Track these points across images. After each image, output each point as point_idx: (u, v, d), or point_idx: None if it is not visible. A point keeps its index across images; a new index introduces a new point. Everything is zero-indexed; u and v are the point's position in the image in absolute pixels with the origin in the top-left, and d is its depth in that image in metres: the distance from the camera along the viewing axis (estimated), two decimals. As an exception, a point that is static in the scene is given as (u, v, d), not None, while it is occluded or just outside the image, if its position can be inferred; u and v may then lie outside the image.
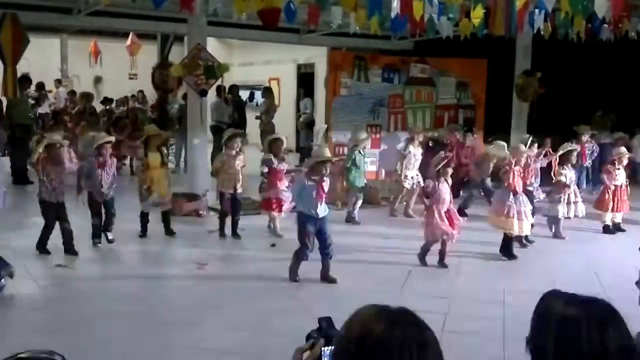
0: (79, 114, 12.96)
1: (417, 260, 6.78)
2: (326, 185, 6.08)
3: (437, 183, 6.67)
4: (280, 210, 7.85)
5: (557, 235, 8.03)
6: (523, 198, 7.06)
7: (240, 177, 7.83)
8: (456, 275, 6.55)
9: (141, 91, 17.04)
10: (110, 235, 7.50)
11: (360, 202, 9.07)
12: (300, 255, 6.14)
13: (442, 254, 6.77)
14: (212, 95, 11.90)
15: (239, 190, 7.87)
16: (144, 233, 7.83)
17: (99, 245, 7.33)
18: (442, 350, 1.30)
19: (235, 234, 7.96)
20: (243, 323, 5.08)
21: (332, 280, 6.14)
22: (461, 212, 8.18)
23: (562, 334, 1.46)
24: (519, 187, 7.04)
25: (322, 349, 1.48)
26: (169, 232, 7.94)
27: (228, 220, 7.91)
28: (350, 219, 8.93)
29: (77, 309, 5.44)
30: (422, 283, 6.23)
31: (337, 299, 5.56)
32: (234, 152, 7.82)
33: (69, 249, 6.94)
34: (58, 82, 18.32)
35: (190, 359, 4.44)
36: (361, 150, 9.20)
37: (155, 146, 7.80)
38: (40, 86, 15.92)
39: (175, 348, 4.58)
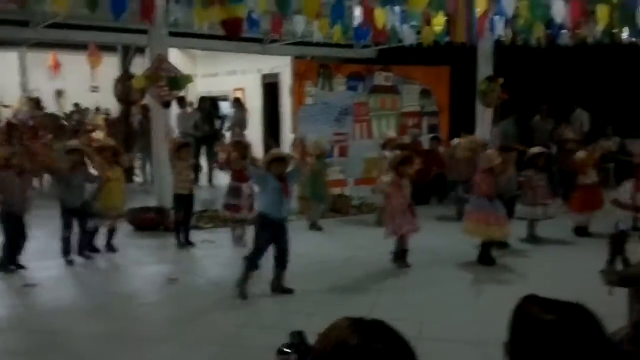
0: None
1: (387, 266, 6.81)
2: (289, 185, 5.96)
3: (400, 179, 6.81)
4: (242, 213, 7.88)
5: (532, 238, 8.07)
6: (498, 203, 7.01)
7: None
8: (431, 281, 6.55)
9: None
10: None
11: (320, 211, 9.14)
12: (251, 264, 5.89)
13: (403, 251, 6.87)
14: (175, 108, 11.78)
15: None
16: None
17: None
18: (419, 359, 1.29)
19: (189, 242, 7.98)
20: (213, 338, 5.01)
21: (288, 291, 6.00)
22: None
23: (541, 339, 1.45)
24: (494, 193, 6.96)
25: None
26: (111, 247, 7.72)
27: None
28: (313, 226, 8.98)
29: (45, 328, 5.29)
30: (394, 293, 6.21)
31: (309, 312, 5.54)
32: (188, 163, 8.07)
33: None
34: (30, 100, 17.54)
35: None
36: (322, 159, 9.23)
37: (109, 158, 7.57)
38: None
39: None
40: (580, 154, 8.48)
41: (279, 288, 6.02)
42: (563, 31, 9.51)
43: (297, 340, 1.54)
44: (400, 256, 6.95)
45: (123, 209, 7.93)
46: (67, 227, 7.17)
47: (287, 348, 1.52)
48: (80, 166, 7.21)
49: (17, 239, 6.86)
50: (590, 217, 8.37)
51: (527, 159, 8.04)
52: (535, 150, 8.18)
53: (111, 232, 7.74)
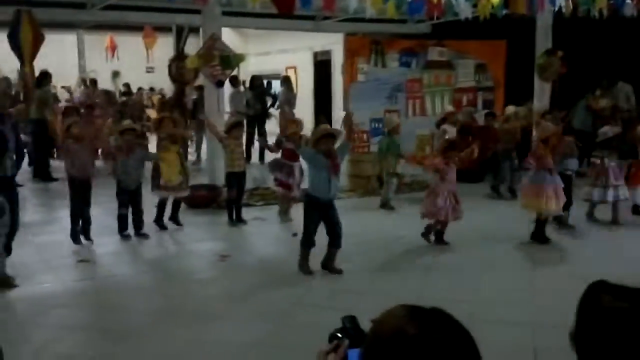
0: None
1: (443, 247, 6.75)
2: (339, 164, 5.88)
3: (445, 164, 6.72)
4: (291, 191, 7.89)
5: (591, 219, 7.77)
6: (556, 176, 6.78)
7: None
8: (481, 262, 6.42)
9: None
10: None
11: (394, 187, 8.95)
12: (305, 245, 5.90)
13: (440, 233, 6.85)
14: (227, 87, 11.83)
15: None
16: (159, 222, 7.74)
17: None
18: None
19: (240, 219, 8.01)
20: (265, 315, 5.03)
21: (337, 271, 5.95)
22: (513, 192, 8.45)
23: (612, 329, 1.34)
24: (552, 165, 6.73)
25: (347, 350, 1.40)
26: (176, 220, 7.86)
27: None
28: (384, 205, 8.81)
29: (101, 303, 5.43)
30: (445, 272, 6.11)
31: (360, 291, 5.51)
32: (240, 141, 8.17)
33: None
34: (83, 81, 18.07)
35: (215, 352, 4.38)
36: (394, 136, 8.97)
37: (169, 132, 7.68)
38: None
39: (199, 342, 4.54)
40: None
41: (328, 268, 5.99)
42: (627, 1, 9.06)
43: (350, 324, 1.48)
44: (432, 233, 6.90)
45: (185, 180, 7.87)
46: (122, 205, 7.29)
47: (339, 333, 1.46)
48: (135, 146, 7.30)
49: (82, 207, 7.04)
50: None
51: (600, 139, 7.65)
52: (606, 129, 7.78)
53: (176, 206, 7.85)
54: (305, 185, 7.05)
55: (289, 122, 8.36)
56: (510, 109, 9.59)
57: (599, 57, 11.21)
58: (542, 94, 11.00)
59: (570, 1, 8.95)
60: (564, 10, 8.86)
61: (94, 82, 16.43)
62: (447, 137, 8.05)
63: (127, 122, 7.94)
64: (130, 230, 7.37)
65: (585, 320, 1.40)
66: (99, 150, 8.70)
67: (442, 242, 6.90)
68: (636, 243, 6.97)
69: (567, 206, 7.23)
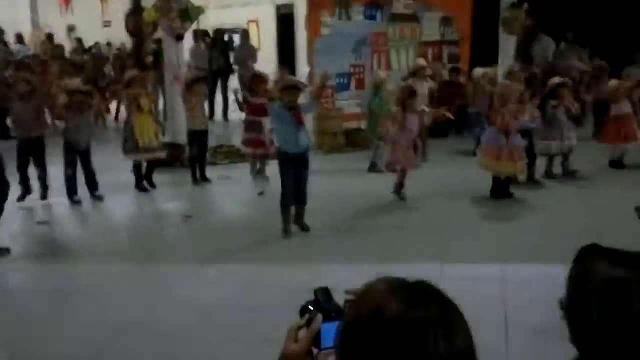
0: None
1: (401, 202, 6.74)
2: (302, 115, 5.74)
3: (404, 113, 6.72)
4: (264, 148, 7.67)
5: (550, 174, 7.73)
6: (515, 137, 6.72)
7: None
8: (446, 217, 6.39)
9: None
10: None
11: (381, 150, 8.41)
12: (284, 203, 5.77)
13: (400, 184, 6.86)
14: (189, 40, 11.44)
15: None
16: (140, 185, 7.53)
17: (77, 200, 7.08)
18: None
19: (205, 178, 7.85)
20: (232, 276, 4.93)
21: (306, 228, 5.88)
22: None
23: (609, 299, 1.25)
24: (512, 126, 6.66)
25: (321, 325, 1.28)
26: (151, 182, 7.65)
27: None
28: (373, 168, 8.28)
29: (58, 267, 5.25)
30: (410, 230, 6.07)
31: (330, 249, 5.44)
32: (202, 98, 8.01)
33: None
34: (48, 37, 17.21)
35: (182, 314, 4.26)
36: (382, 93, 8.58)
37: (140, 89, 7.38)
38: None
39: (164, 305, 4.42)
40: (612, 83, 8.10)
41: (297, 223, 5.90)
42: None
43: (323, 297, 1.36)
44: (397, 190, 6.88)
45: (159, 141, 7.60)
46: (69, 165, 7.00)
47: (310, 306, 1.34)
48: (84, 106, 6.96)
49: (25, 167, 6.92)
50: (625, 149, 8.05)
51: (549, 90, 7.65)
52: (556, 80, 7.78)
53: (151, 167, 7.59)
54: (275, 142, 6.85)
55: (258, 82, 8.00)
56: (479, 71, 9.38)
57: (567, 10, 11.16)
58: (507, 48, 10.92)
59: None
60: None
61: (50, 37, 15.79)
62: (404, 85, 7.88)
63: (76, 82, 7.58)
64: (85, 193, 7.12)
65: (579, 289, 1.30)
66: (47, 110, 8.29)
67: (400, 193, 6.86)
68: (599, 194, 7.01)
69: (531, 162, 7.24)
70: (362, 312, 1.07)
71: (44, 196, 7.02)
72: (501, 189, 6.87)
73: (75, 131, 6.90)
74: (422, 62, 9.57)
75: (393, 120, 6.90)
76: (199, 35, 12.94)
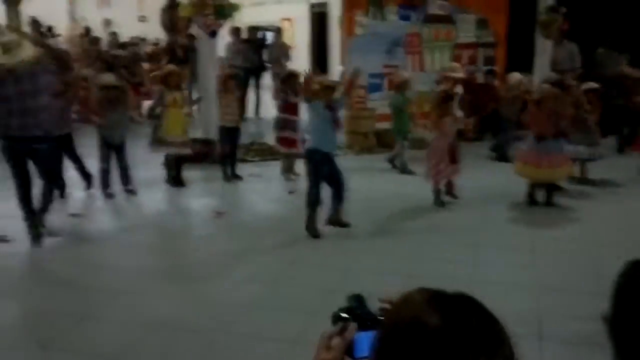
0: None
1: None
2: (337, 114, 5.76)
3: (440, 118, 6.64)
4: (297, 147, 7.62)
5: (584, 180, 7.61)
6: (553, 144, 6.57)
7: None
8: (482, 221, 6.32)
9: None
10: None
11: (405, 149, 8.47)
12: (312, 202, 5.73)
13: (450, 186, 6.82)
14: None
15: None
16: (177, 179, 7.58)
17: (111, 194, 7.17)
18: None
19: (235, 175, 7.85)
20: (261, 275, 4.94)
21: (345, 225, 5.86)
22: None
23: None
24: (548, 132, 6.53)
25: (355, 334, 1.27)
26: (178, 180, 7.65)
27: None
28: (404, 170, 8.24)
29: (90, 260, 5.32)
30: (444, 233, 6.01)
31: (360, 250, 5.42)
32: (235, 95, 7.97)
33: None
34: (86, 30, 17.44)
35: (210, 313, 4.29)
36: (405, 93, 8.49)
37: (174, 86, 7.38)
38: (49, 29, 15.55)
39: (193, 302, 4.44)
40: None
41: (336, 222, 5.87)
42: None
43: (356, 304, 1.34)
44: (436, 196, 6.77)
45: (187, 136, 7.62)
46: (103, 159, 7.08)
47: (344, 313, 1.32)
48: (116, 101, 6.99)
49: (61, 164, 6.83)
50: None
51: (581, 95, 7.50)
52: (589, 85, 7.64)
53: (179, 162, 7.59)
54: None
55: (293, 80, 7.82)
56: (515, 76, 9.22)
57: (604, 15, 10.93)
58: (543, 51, 10.76)
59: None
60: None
61: (87, 30, 16.00)
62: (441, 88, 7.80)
63: (109, 77, 7.60)
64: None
65: (626, 304, 1.26)
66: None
67: (439, 202, 6.76)
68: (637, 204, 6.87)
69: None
70: (401, 322, 1.05)
71: (88, 186, 7.19)
72: (536, 196, 6.75)
73: (108, 126, 6.98)
74: (457, 66, 9.36)
75: (432, 125, 6.79)
76: (234, 32, 13.00)
